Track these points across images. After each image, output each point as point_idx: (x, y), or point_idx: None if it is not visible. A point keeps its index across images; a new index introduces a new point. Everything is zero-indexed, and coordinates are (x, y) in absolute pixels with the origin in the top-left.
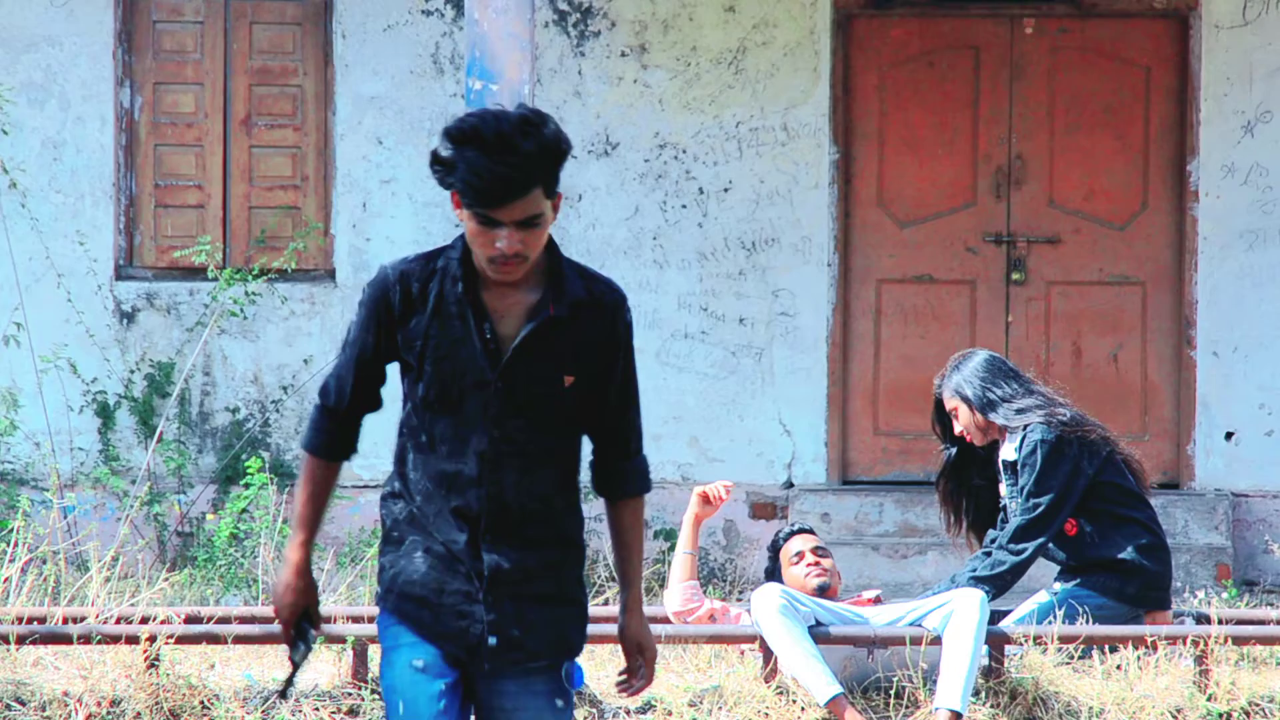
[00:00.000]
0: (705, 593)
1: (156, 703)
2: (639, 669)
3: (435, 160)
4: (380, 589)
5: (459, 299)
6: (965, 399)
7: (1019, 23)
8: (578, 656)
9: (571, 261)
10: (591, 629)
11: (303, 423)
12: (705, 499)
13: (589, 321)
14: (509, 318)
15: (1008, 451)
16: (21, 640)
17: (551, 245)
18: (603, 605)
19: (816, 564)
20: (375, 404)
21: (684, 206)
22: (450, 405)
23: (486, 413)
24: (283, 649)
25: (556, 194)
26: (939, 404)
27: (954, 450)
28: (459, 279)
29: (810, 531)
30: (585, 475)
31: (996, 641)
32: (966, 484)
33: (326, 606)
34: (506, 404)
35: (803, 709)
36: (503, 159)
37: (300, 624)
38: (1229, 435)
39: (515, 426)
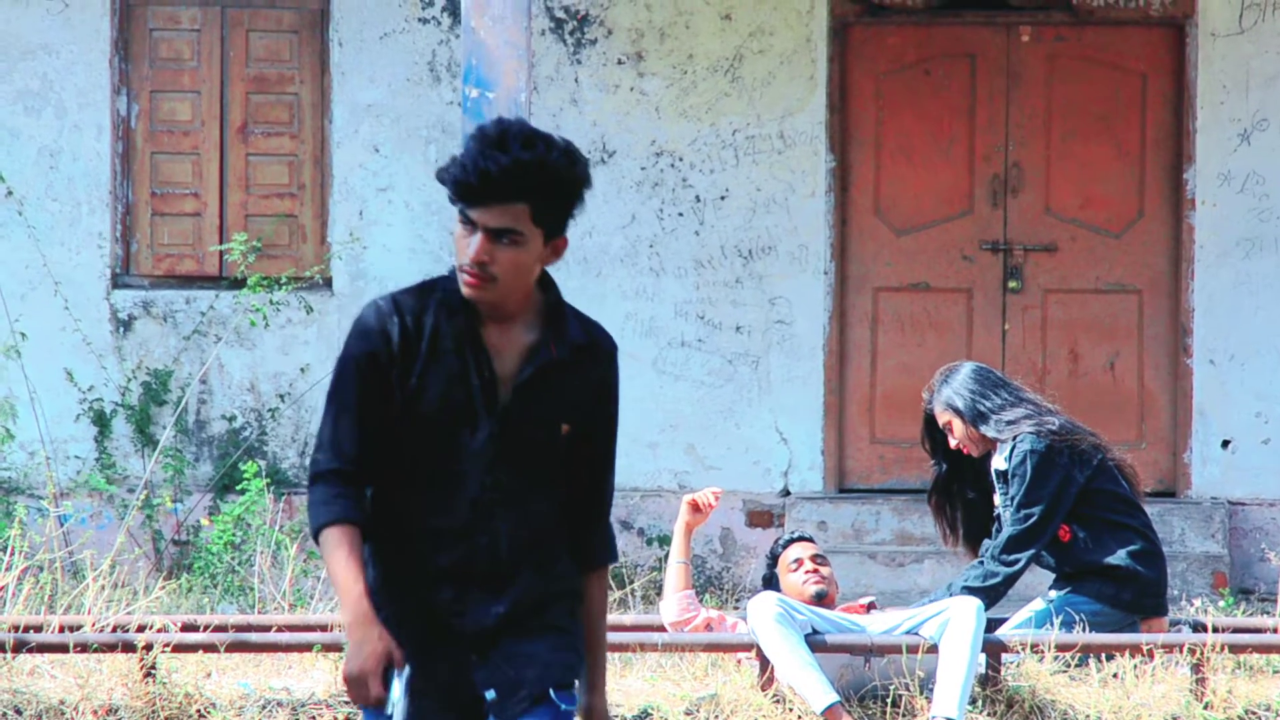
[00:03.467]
0: (702, 601)
1: (153, 711)
2: None
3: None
4: None
5: (457, 334)
6: (957, 411)
7: (1015, 31)
8: (575, 681)
9: (570, 305)
10: None
11: (299, 430)
12: (695, 507)
13: (588, 367)
14: (506, 357)
15: (998, 461)
16: (18, 649)
17: (551, 286)
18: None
19: (815, 571)
20: (374, 465)
21: (680, 214)
22: (440, 448)
23: (480, 458)
24: (280, 658)
25: (560, 236)
26: (929, 419)
27: (945, 466)
28: (456, 311)
29: (809, 539)
30: None
31: (993, 649)
32: (959, 497)
33: (324, 615)
34: (502, 449)
35: (799, 717)
36: (492, 156)
37: (388, 672)
38: (1226, 443)
39: (508, 474)
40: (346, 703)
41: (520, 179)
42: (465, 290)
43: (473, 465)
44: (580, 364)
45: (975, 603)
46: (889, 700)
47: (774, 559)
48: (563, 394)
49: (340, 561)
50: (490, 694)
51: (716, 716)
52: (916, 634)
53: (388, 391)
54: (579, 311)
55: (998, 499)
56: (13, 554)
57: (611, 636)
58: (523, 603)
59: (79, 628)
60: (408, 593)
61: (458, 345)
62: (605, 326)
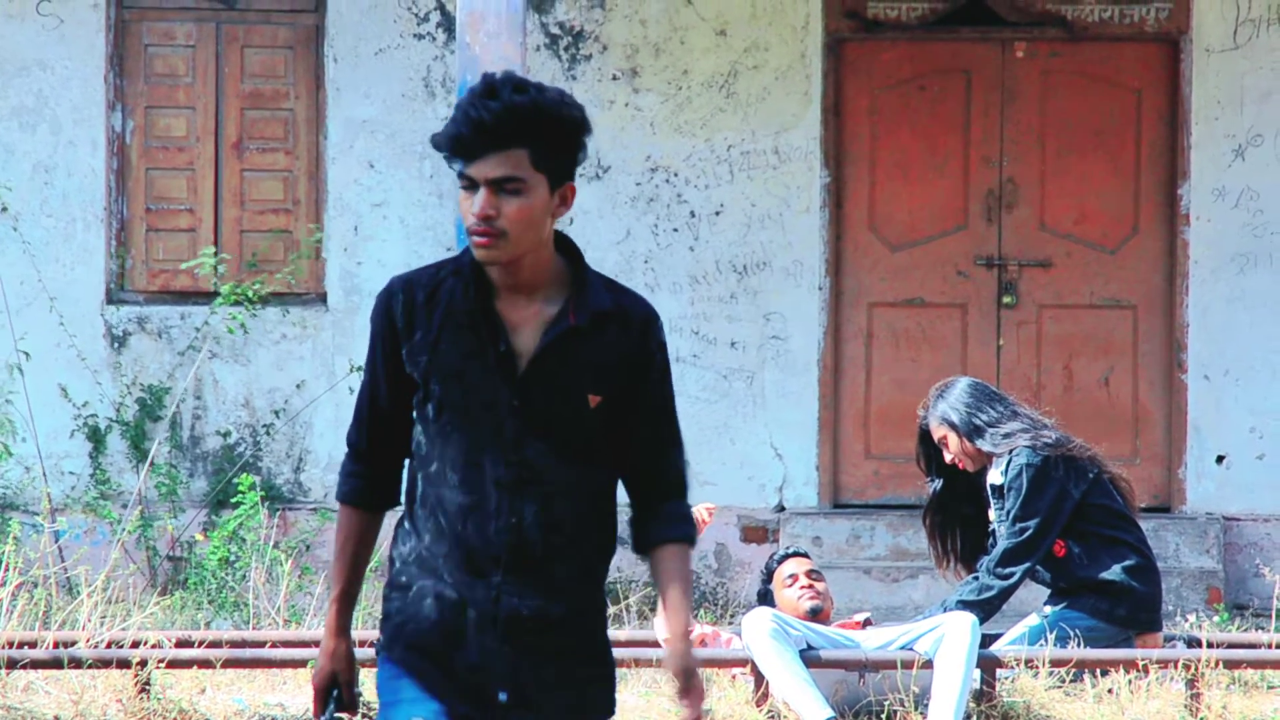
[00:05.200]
0: (696, 617)
1: None
2: (688, 690)
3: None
4: (383, 638)
5: (470, 309)
6: (952, 425)
7: (1010, 46)
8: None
9: (600, 274)
10: None
11: (294, 446)
12: None
13: (616, 336)
14: (526, 330)
15: (994, 476)
16: (12, 665)
17: (576, 254)
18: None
19: (810, 587)
20: (402, 442)
21: (675, 230)
22: (462, 428)
23: (503, 436)
24: (274, 674)
25: (565, 183)
26: (924, 435)
27: (939, 483)
28: (471, 283)
29: (805, 555)
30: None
31: (988, 665)
32: (955, 515)
33: (318, 631)
34: (525, 426)
35: None
36: (483, 104)
37: (328, 694)
38: (1220, 459)
39: (536, 451)
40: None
41: (514, 122)
42: (477, 253)
43: (497, 443)
44: (605, 332)
45: (970, 618)
46: (884, 716)
47: (769, 574)
48: (586, 364)
49: (335, 552)
50: (502, 695)
51: None
52: (911, 649)
53: (400, 368)
54: (611, 281)
55: (992, 514)
56: (7, 570)
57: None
58: (561, 602)
59: (73, 644)
60: (442, 570)
61: (472, 320)
62: None
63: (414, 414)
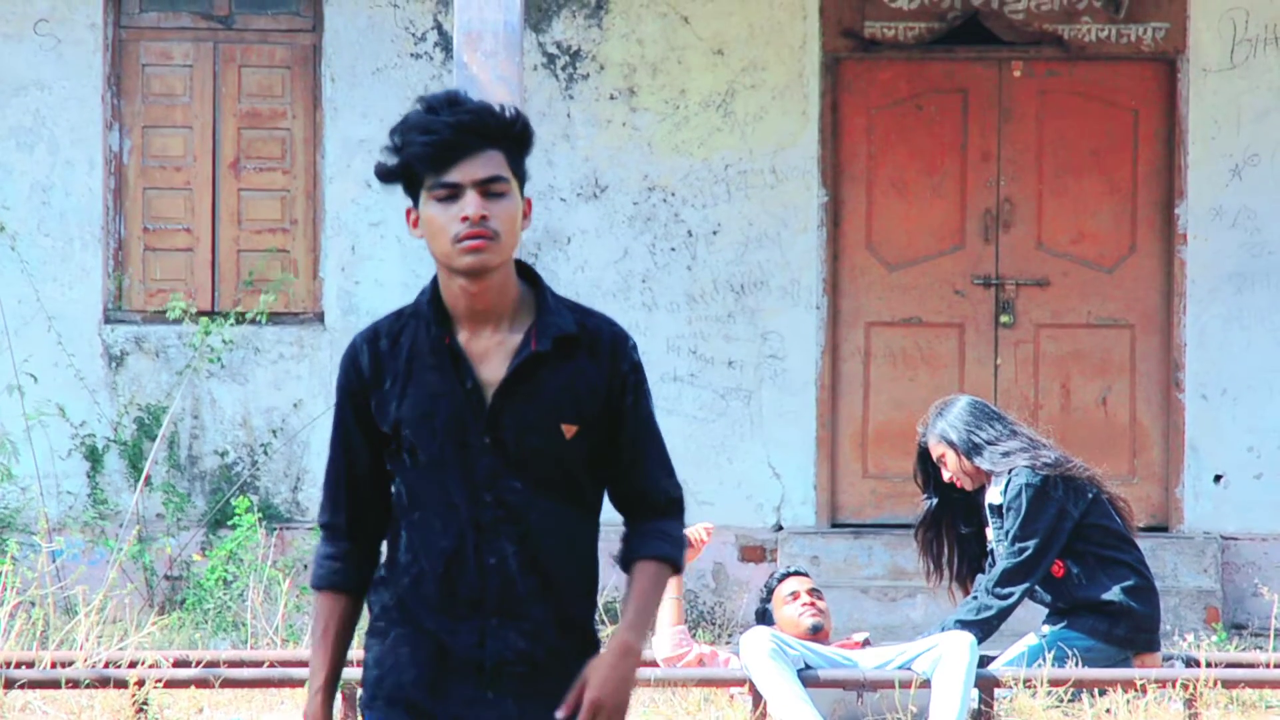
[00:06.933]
0: (695, 636)
1: None
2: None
3: (381, 167)
4: (365, 692)
5: (434, 347)
6: (951, 444)
7: (1007, 66)
8: None
9: (562, 298)
10: None
11: (292, 466)
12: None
13: (585, 361)
14: (492, 362)
15: (993, 495)
16: (10, 684)
17: (536, 279)
18: None
19: (811, 605)
20: (381, 513)
21: (673, 249)
22: (438, 470)
23: (477, 474)
24: (272, 693)
25: (526, 196)
26: (923, 452)
27: (934, 500)
28: (431, 322)
29: (805, 574)
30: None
31: (986, 684)
32: (948, 532)
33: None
34: (499, 462)
35: None
36: (454, 111)
37: None
38: (1218, 478)
39: (511, 489)
40: None
41: (491, 122)
42: (467, 260)
43: (472, 483)
44: (571, 358)
45: (968, 638)
46: None
47: (769, 593)
48: (557, 393)
49: (314, 640)
50: None
51: None
52: (909, 669)
53: (372, 424)
54: (576, 303)
55: (991, 533)
56: (5, 589)
57: None
58: (545, 644)
59: (71, 664)
60: (423, 616)
61: (437, 359)
62: None
63: (392, 469)
